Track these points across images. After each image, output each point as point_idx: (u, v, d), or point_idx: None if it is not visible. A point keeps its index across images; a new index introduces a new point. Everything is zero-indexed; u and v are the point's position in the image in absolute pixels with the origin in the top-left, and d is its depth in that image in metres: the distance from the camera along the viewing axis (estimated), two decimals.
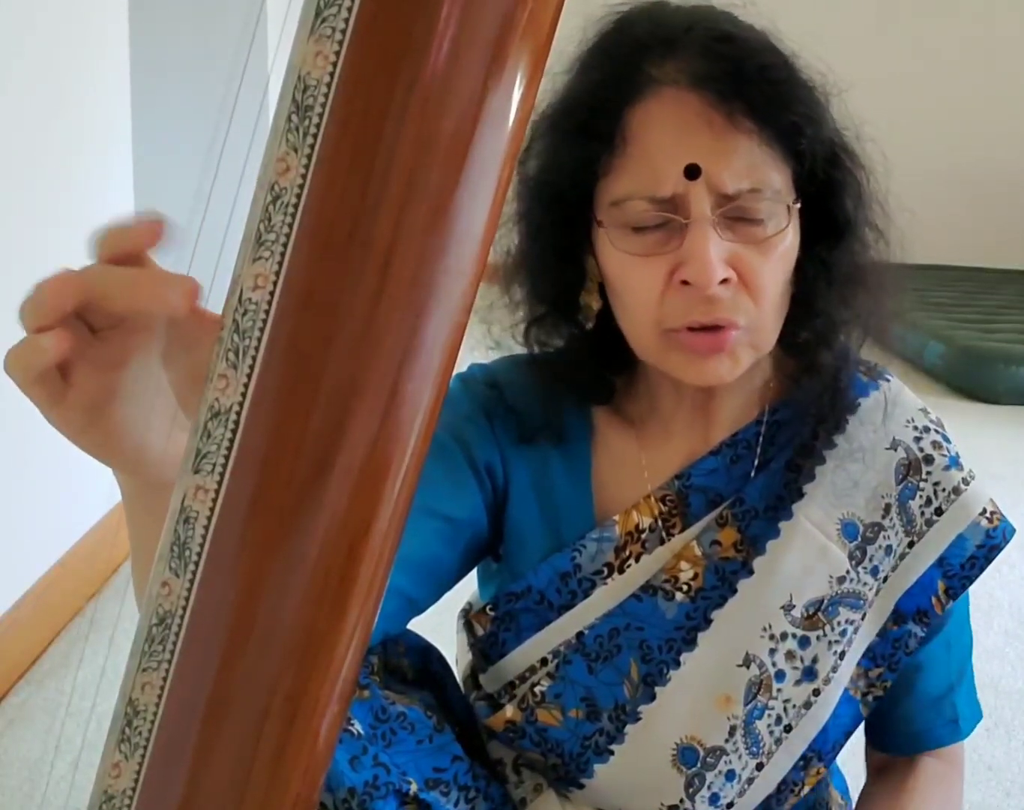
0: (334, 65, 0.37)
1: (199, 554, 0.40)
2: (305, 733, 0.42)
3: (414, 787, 0.73)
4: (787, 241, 0.74)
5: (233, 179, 0.44)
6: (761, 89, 0.70)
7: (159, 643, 0.41)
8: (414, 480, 0.42)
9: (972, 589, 0.84)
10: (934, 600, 0.83)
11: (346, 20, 0.36)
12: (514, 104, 0.39)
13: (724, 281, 0.71)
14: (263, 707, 0.41)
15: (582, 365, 0.83)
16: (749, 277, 0.72)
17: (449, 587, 0.83)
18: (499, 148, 0.39)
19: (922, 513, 0.82)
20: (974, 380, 3.68)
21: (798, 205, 0.74)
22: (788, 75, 0.72)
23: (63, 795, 1.38)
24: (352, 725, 0.74)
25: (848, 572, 0.80)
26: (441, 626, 0.97)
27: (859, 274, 0.78)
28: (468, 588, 0.92)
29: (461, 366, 0.84)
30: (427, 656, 0.90)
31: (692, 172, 0.70)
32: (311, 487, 0.39)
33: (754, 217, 0.72)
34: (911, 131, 5.31)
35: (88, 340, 0.46)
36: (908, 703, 0.88)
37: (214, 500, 0.40)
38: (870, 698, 0.84)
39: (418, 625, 0.85)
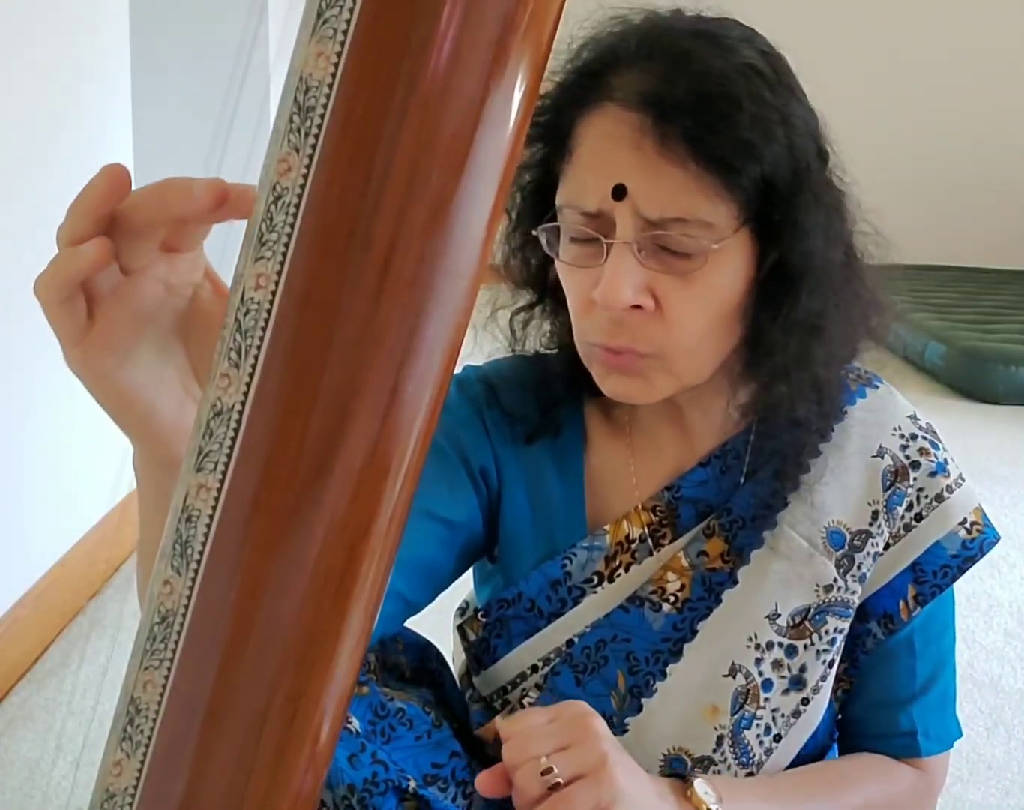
0: (335, 66, 0.37)
1: (201, 553, 0.40)
2: (305, 732, 0.42)
3: (412, 784, 0.73)
4: (718, 276, 0.71)
5: (235, 179, 0.44)
6: (697, 118, 0.67)
7: (161, 641, 0.41)
8: (414, 480, 0.42)
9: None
10: (901, 605, 0.82)
11: (347, 21, 0.37)
12: (515, 105, 0.39)
13: (638, 307, 0.70)
14: (264, 706, 0.41)
15: (573, 361, 0.83)
16: (667, 307, 0.71)
17: (444, 588, 0.84)
18: (500, 149, 0.39)
19: (903, 518, 0.82)
20: (974, 380, 3.67)
21: (739, 237, 0.70)
22: (735, 107, 0.68)
23: (64, 794, 1.38)
24: (350, 722, 0.74)
25: (836, 581, 0.80)
26: (439, 624, 0.97)
27: (818, 321, 0.74)
28: (465, 586, 0.92)
29: (460, 367, 0.84)
30: (425, 654, 0.90)
31: (618, 192, 0.69)
32: (312, 487, 0.39)
33: (679, 248, 0.70)
34: (911, 133, 5.32)
35: (119, 277, 0.45)
36: (857, 705, 0.86)
37: (216, 499, 0.40)
38: (839, 692, 0.85)
39: (417, 623, 0.85)
